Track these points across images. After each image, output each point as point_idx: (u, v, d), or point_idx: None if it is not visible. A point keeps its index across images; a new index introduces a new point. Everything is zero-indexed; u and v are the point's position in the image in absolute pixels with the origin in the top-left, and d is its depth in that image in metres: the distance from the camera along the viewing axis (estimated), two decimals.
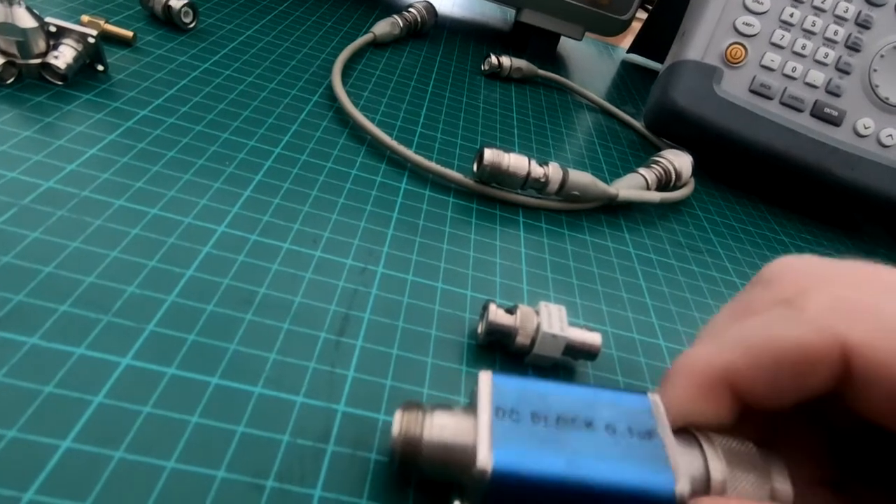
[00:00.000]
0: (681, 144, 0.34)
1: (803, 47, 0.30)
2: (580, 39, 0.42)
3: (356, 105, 0.27)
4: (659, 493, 0.11)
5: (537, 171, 0.23)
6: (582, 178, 0.24)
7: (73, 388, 0.12)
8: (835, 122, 0.30)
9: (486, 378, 0.12)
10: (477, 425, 0.11)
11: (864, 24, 0.30)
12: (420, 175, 0.24)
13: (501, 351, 0.17)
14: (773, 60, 0.30)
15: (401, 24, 0.35)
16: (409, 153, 0.23)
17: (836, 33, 0.30)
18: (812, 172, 0.31)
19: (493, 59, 0.36)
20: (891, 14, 0.30)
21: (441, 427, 0.12)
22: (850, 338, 0.11)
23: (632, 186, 0.26)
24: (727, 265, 0.25)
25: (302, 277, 0.17)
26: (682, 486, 0.11)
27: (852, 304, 0.11)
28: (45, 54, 0.21)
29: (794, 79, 0.30)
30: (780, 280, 0.14)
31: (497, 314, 0.16)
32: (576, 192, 0.24)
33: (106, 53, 0.23)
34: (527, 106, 0.34)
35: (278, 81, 0.27)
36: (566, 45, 0.49)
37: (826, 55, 0.30)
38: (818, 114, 0.30)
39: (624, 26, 0.40)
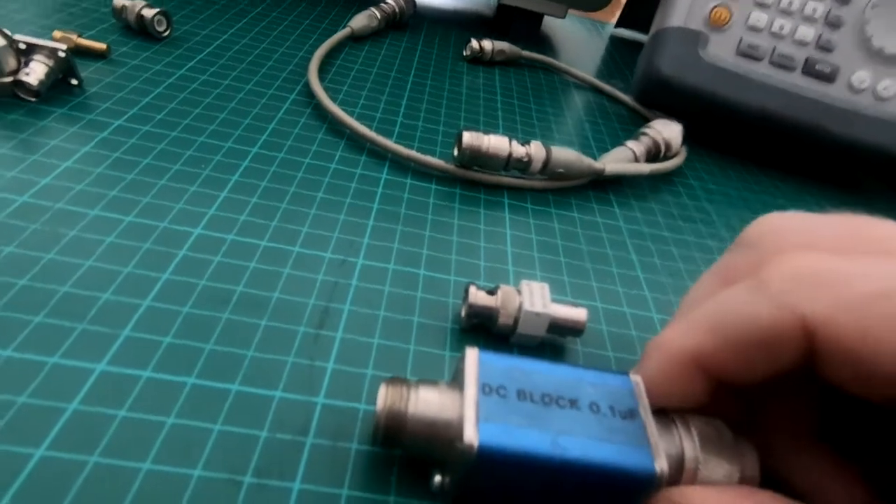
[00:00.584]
0: (671, 115, 0.33)
1: (790, 3, 0.29)
2: (563, 17, 0.41)
3: (334, 100, 0.27)
4: (640, 472, 0.11)
5: (519, 150, 0.23)
6: (566, 154, 0.23)
7: (47, 397, 0.12)
8: (828, 78, 0.29)
9: (472, 354, 0.12)
10: (463, 401, 0.11)
11: None
12: (401, 164, 0.24)
13: (486, 333, 0.17)
14: (759, 20, 0.29)
15: (378, 17, 0.35)
16: (388, 143, 0.23)
17: None
18: (808, 132, 0.30)
19: (475, 43, 0.35)
20: None
21: (426, 402, 0.12)
22: (810, 314, 0.10)
23: (619, 160, 0.26)
24: (723, 233, 0.25)
25: (280, 273, 0.17)
26: (662, 465, 0.11)
27: (815, 276, 0.11)
28: (16, 72, 0.21)
29: (782, 37, 0.29)
30: (759, 243, 0.13)
31: (477, 296, 0.16)
32: (561, 170, 0.23)
33: (80, 67, 0.24)
34: (511, 88, 0.34)
35: (255, 82, 0.27)
36: (553, 25, 0.48)
37: (814, 10, 0.29)
38: (810, 71, 0.29)
39: (605, 0, 0.39)
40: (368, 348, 0.15)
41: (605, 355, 0.17)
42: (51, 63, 0.21)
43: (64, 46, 0.21)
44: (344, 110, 0.25)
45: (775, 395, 0.13)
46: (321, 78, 0.28)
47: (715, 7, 0.30)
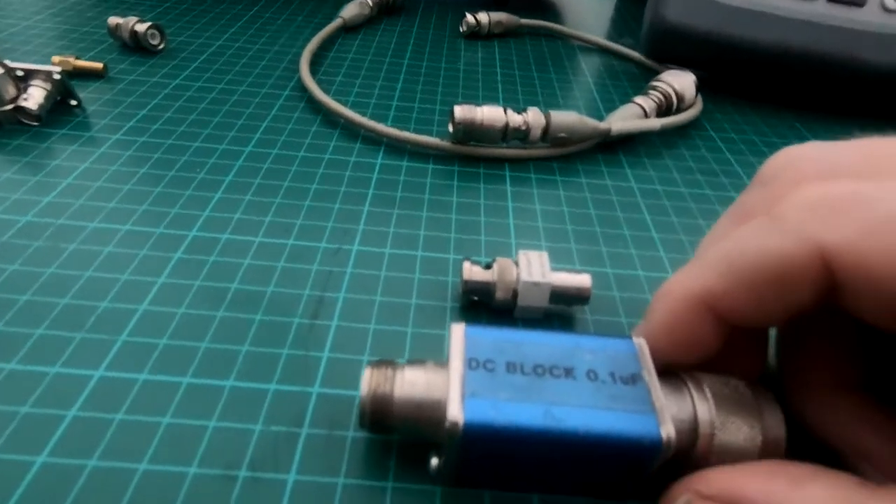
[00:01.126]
0: (685, 66, 0.31)
1: None
2: None
3: (328, 92, 0.26)
4: (643, 439, 0.10)
5: (516, 119, 0.22)
6: (567, 118, 0.22)
7: (49, 405, 0.12)
8: (857, 1, 0.27)
9: (458, 330, 0.12)
10: (448, 378, 0.11)
11: None
12: (397, 148, 0.23)
13: (487, 309, 0.16)
14: None
15: (370, 4, 0.34)
16: (381, 127, 0.23)
17: None
18: (840, 65, 0.27)
19: (470, 17, 0.34)
20: None
21: (412, 383, 0.11)
22: (828, 242, 0.09)
23: (627, 118, 0.24)
24: (747, 183, 0.23)
25: (274, 268, 0.17)
26: (668, 431, 0.10)
27: (834, 203, 0.09)
28: (16, 98, 0.21)
29: None
30: (776, 178, 0.12)
31: (472, 271, 0.15)
32: (563, 135, 0.22)
33: (80, 87, 0.24)
34: (511, 60, 0.33)
35: (249, 83, 0.27)
36: None
37: None
38: None
39: None
40: (365, 334, 0.15)
41: (618, 322, 0.16)
42: (48, 87, 0.22)
43: (58, 69, 0.22)
44: (337, 100, 0.24)
45: (810, 341, 0.12)
46: (314, 71, 0.28)
47: None
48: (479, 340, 0.11)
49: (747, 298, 0.10)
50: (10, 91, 0.21)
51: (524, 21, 0.36)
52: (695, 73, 0.27)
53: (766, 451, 0.11)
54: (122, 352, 0.14)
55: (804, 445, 0.11)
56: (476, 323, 0.12)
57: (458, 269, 0.17)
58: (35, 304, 0.15)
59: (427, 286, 0.17)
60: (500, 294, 0.15)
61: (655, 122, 0.24)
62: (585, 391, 0.11)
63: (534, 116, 0.22)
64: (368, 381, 0.11)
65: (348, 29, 0.33)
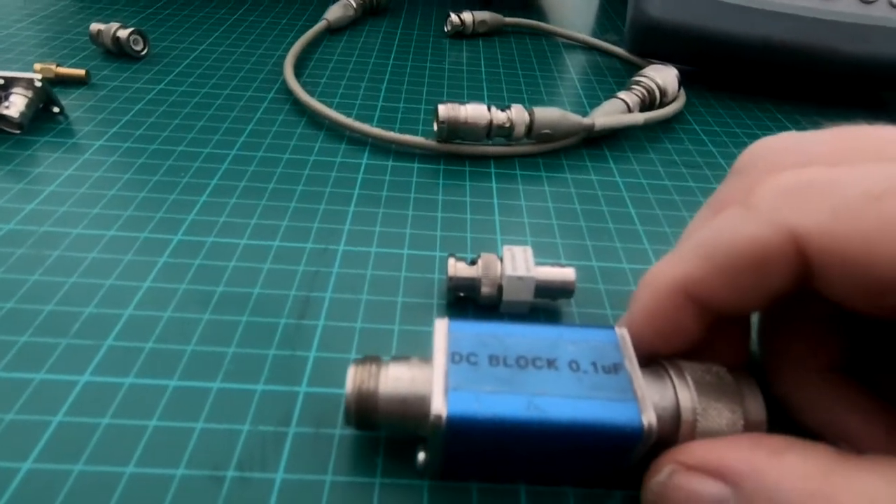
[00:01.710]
0: (669, 60, 0.32)
1: None
2: None
3: (312, 94, 0.26)
4: (625, 427, 0.10)
5: (499, 116, 0.22)
6: (550, 114, 0.22)
7: (34, 412, 0.12)
8: None
9: (441, 325, 0.12)
10: (432, 373, 0.11)
11: None
12: (382, 148, 0.23)
13: (473, 305, 0.16)
14: None
15: (354, 6, 0.34)
16: (366, 128, 0.23)
17: None
18: (821, 56, 0.28)
19: (454, 17, 0.34)
20: None
21: (396, 379, 0.11)
22: (800, 227, 0.09)
23: (611, 113, 0.24)
24: None
25: (260, 269, 0.17)
26: (649, 418, 0.10)
27: (805, 188, 0.10)
28: None
29: None
30: (751, 168, 0.12)
31: (457, 267, 0.15)
32: (547, 131, 0.22)
33: (63, 94, 0.24)
34: (496, 58, 0.33)
35: (233, 87, 0.27)
36: None
37: None
38: None
39: None
40: (351, 333, 0.15)
41: (603, 314, 0.16)
42: (30, 94, 0.22)
43: (40, 76, 0.22)
44: (322, 102, 0.24)
45: (789, 325, 0.12)
46: (299, 74, 0.28)
47: None
48: (462, 335, 0.11)
49: (725, 285, 0.10)
50: None
51: (508, 20, 0.36)
52: (677, 68, 0.27)
53: None
54: (108, 356, 0.14)
55: (786, 429, 0.11)
56: (461, 318, 0.12)
57: (444, 266, 0.17)
58: (19, 312, 0.15)
59: (413, 284, 0.17)
60: (485, 289, 0.15)
61: (639, 117, 0.24)
62: (568, 381, 0.11)
63: (517, 113, 0.22)
64: (353, 378, 0.11)
65: (333, 30, 0.33)
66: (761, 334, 0.13)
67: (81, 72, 0.25)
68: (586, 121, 0.23)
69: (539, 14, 0.41)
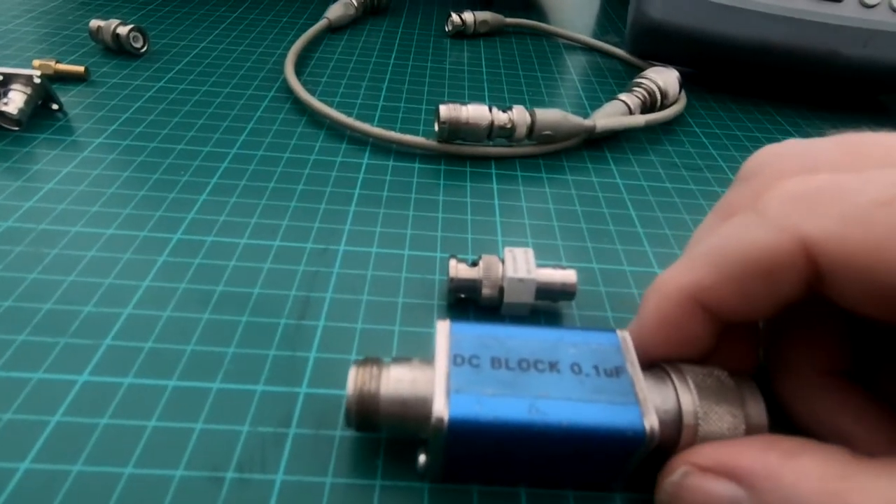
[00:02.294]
0: (670, 62, 0.32)
1: None
2: None
3: (313, 93, 0.26)
4: (627, 431, 0.10)
5: (500, 117, 0.22)
6: (551, 115, 0.22)
7: (32, 411, 0.12)
8: None
9: (443, 327, 0.12)
10: (434, 375, 0.11)
11: None
12: (383, 148, 0.23)
13: (474, 306, 0.16)
14: None
15: (355, 4, 0.34)
16: (367, 127, 0.23)
17: None
18: (821, 59, 0.28)
19: (455, 17, 0.34)
20: None
21: (398, 381, 0.11)
22: (810, 233, 0.09)
23: (612, 115, 0.24)
24: (730, 178, 0.23)
25: (260, 269, 0.17)
26: (651, 422, 0.10)
27: (814, 194, 0.10)
28: None
29: None
30: (758, 174, 0.12)
31: (458, 269, 0.15)
32: (548, 132, 0.22)
33: (62, 91, 0.24)
34: (497, 59, 0.33)
35: (233, 85, 0.27)
36: None
37: None
38: None
39: None
40: (352, 334, 0.15)
41: (604, 316, 0.16)
42: (28, 90, 0.22)
43: (38, 72, 0.22)
44: (323, 101, 0.24)
45: (795, 329, 0.12)
46: (300, 72, 0.28)
47: None
48: (464, 337, 0.11)
49: (734, 291, 0.10)
50: None
51: (509, 20, 0.36)
52: (678, 70, 0.27)
53: None
54: (107, 356, 0.14)
55: (787, 433, 0.11)
56: (462, 320, 0.12)
57: (445, 267, 0.17)
58: (17, 310, 0.14)
59: (414, 285, 0.17)
60: (486, 291, 0.15)
61: (640, 119, 0.24)
62: (569, 384, 0.11)
63: (519, 114, 0.22)
64: (354, 379, 0.11)
65: (334, 29, 0.33)
66: (765, 337, 0.13)
67: (81, 68, 0.25)
68: (587, 122, 0.23)
69: (540, 15, 0.41)
